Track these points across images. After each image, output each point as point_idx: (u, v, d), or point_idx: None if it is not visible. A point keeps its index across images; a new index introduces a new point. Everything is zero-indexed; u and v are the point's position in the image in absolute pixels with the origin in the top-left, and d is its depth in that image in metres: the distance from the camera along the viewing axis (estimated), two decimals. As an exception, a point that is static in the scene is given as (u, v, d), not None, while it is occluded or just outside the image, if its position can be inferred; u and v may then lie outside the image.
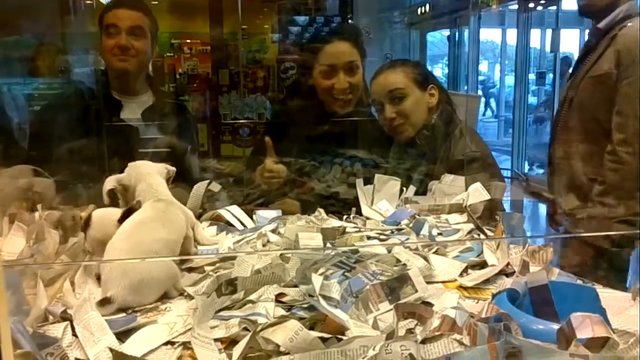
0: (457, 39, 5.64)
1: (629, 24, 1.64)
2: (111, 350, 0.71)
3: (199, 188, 1.29)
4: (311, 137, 1.68)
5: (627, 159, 1.58)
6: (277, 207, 1.44)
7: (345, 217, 1.34)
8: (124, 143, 1.57)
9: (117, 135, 1.56)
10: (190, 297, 0.94)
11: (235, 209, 1.30)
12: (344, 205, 1.44)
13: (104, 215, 1.02)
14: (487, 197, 1.27)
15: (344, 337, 0.77)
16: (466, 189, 1.37)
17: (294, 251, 0.99)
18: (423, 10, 5.32)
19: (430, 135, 1.50)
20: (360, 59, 1.63)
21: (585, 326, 0.70)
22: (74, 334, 0.79)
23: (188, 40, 5.36)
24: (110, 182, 1.00)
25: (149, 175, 1.09)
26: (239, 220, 1.28)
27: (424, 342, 0.74)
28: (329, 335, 0.77)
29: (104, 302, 0.85)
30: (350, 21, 4.39)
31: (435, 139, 1.50)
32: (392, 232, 1.22)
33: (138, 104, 1.64)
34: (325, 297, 0.88)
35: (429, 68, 6.02)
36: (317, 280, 0.89)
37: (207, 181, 1.30)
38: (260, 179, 1.54)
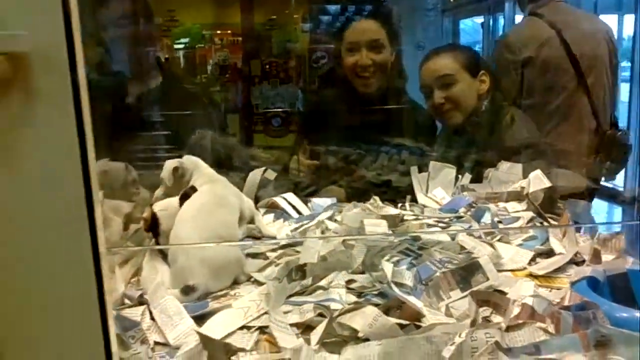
0: (491, 25, 5.52)
1: None
2: (199, 333, 0.72)
3: (255, 175, 1.29)
4: (351, 125, 1.68)
5: None
6: (322, 195, 1.44)
7: (399, 204, 1.32)
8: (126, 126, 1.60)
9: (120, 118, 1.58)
10: (257, 282, 0.95)
11: (290, 196, 1.30)
12: (397, 193, 1.43)
13: (168, 207, 1.03)
14: (548, 184, 1.24)
15: (422, 324, 0.77)
16: (523, 177, 1.34)
17: (361, 237, 0.98)
18: (456, -3, 5.20)
19: (480, 121, 1.47)
20: (389, 39, 1.60)
21: (679, 315, 0.68)
22: (151, 318, 0.81)
23: (219, 32, 5.37)
24: (173, 162, 1.01)
25: (202, 164, 1.10)
26: (294, 207, 1.27)
27: (507, 329, 0.73)
28: (407, 322, 0.76)
29: (187, 290, 0.86)
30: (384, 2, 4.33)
31: (485, 125, 1.47)
32: (451, 220, 1.20)
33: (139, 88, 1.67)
34: (396, 284, 0.87)
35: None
36: (388, 267, 0.88)
37: (263, 169, 1.30)
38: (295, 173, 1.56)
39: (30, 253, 0.47)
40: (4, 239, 0.47)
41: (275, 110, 4.88)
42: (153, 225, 1.01)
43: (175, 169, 0.99)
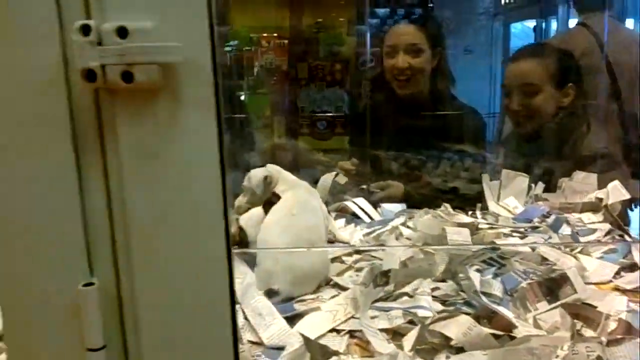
0: (543, 30, 5.40)
1: None
2: (303, 335, 0.73)
3: (326, 180, 1.30)
4: (399, 129, 1.70)
5: None
6: (379, 187, 1.47)
7: (470, 212, 1.31)
8: None
9: None
10: (338, 286, 0.96)
11: (361, 201, 1.31)
12: (464, 201, 1.42)
13: (252, 216, 1.05)
14: (627, 196, 1.21)
15: (515, 335, 0.76)
16: (598, 187, 1.31)
17: (444, 247, 0.98)
18: (507, 1, 5.11)
19: (555, 130, 1.44)
20: (429, 43, 1.63)
21: None
22: (244, 317, 0.83)
23: (265, 34, 5.43)
24: (261, 171, 1.03)
25: (284, 171, 1.12)
26: (365, 212, 1.28)
27: (607, 344, 0.71)
28: (501, 333, 0.76)
29: (270, 293, 0.88)
30: (430, 7, 4.31)
31: (560, 134, 1.44)
32: (526, 230, 1.18)
33: None
34: (484, 294, 0.87)
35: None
36: (475, 276, 0.88)
37: (334, 173, 1.32)
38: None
39: (171, 253, 0.50)
40: (149, 239, 0.49)
41: (324, 115, 4.90)
42: (242, 238, 1.04)
43: (265, 178, 1.02)
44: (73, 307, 0.50)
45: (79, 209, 0.49)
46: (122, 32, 0.45)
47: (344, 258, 1.07)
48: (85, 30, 0.45)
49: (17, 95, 0.47)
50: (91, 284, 0.50)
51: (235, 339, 0.52)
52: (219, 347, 0.51)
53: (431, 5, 4.71)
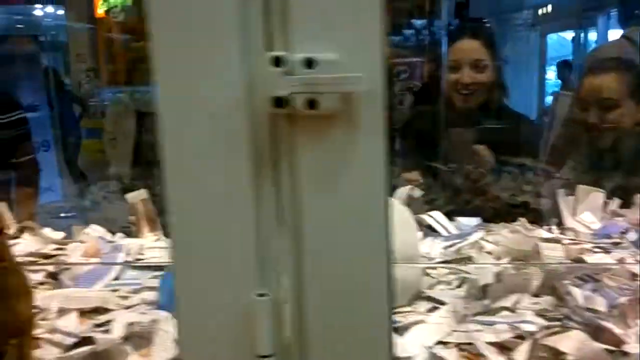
0: (582, 40, 5.37)
1: None
2: (427, 348, 0.76)
3: (402, 193, 1.32)
4: (464, 142, 1.71)
5: None
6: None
7: (545, 227, 1.32)
8: None
9: None
10: (430, 299, 0.98)
11: (437, 214, 1.33)
12: (536, 215, 1.43)
13: None
14: None
15: (628, 352, 0.77)
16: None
17: (540, 263, 0.99)
18: (545, 11, 5.11)
19: (630, 144, 1.44)
20: (491, 60, 1.66)
21: None
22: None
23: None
24: None
25: None
26: (442, 226, 1.30)
27: None
28: (614, 348, 0.77)
29: None
30: (486, 23, 4.33)
31: (635, 148, 1.44)
32: (607, 246, 1.19)
33: None
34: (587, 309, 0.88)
35: (547, 70, 5.79)
36: (576, 292, 0.89)
37: (409, 187, 1.34)
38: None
39: (338, 270, 0.53)
40: (317, 254, 0.53)
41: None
42: None
43: None
44: (245, 316, 0.54)
45: (253, 223, 0.53)
46: (309, 63, 0.49)
47: (428, 271, 1.10)
48: (277, 61, 0.49)
49: (205, 120, 0.51)
50: (264, 294, 0.53)
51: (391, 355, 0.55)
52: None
53: (486, 20, 4.71)
